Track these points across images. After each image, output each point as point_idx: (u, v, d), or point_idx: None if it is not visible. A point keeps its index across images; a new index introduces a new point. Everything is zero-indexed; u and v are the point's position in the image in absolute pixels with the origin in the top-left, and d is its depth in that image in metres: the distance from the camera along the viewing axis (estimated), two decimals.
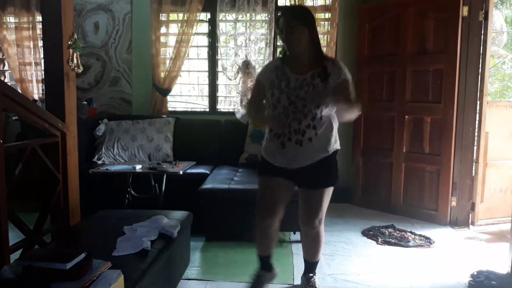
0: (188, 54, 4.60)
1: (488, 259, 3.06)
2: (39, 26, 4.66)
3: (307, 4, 4.35)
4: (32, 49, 4.76)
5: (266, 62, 4.39)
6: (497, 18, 4.18)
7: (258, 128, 4.17)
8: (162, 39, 4.59)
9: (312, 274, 2.53)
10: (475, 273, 2.72)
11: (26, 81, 4.80)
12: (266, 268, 2.48)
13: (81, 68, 2.60)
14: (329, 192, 2.30)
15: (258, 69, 4.45)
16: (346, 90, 2.17)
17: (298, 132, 2.17)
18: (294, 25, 2.13)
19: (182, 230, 2.49)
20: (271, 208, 2.33)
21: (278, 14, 2.31)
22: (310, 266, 2.54)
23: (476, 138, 3.76)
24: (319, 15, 4.33)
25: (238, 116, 4.46)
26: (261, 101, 2.33)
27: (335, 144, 2.28)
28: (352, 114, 2.20)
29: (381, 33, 4.18)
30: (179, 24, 4.50)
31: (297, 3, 4.31)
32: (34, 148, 2.23)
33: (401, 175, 4.10)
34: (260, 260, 2.48)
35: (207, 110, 4.85)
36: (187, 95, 5.28)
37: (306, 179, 2.26)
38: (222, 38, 4.60)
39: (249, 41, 4.43)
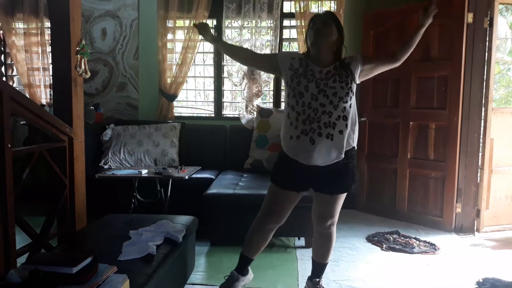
0: (194, 60, 4.64)
1: (494, 266, 3.04)
2: (48, 32, 4.73)
3: (312, 11, 4.37)
4: (40, 55, 4.82)
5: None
6: (501, 25, 4.18)
7: (263, 133, 4.19)
8: (169, 45, 4.63)
9: (319, 279, 2.54)
10: (481, 280, 2.71)
11: (34, 86, 4.86)
12: (243, 272, 2.49)
13: (89, 73, 2.63)
14: (344, 196, 2.34)
15: (263, 76, 4.48)
16: (375, 56, 2.27)
17: (329, 125, 2.16)
18: (329, 23, 2.19)
19: (188, 235, 2.51)
20: (277, 216, 2.37)
21: (315, 14, 2.34)
22: (318, 269, 2.54)
23: (481, 145, 3.75)
24: None
25: (243, 121, 4.49)
26: (254, 56, 2.55)
27: (356, 141, 2.31)
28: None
29: (385, 40, 4.18)
30: (186, 31, 4.54)
31: (302, 9, 4.33)
32: (42, 153, 2.25)
33: (405, 181, 4.10)
34: (241, 261, 2.49)
35: (213, 115, 4.87)
36: (193, 100, 5.31)
37: (325, 184, 2.27)
38: None
39: (255, 48, 4.45)
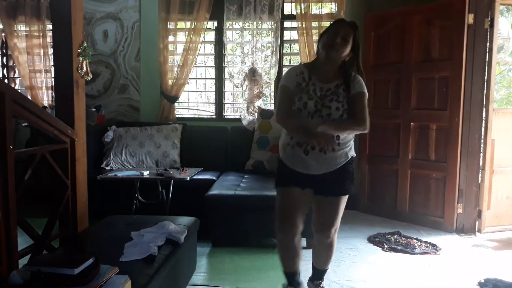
0: (195, 62, 4.65)
1: (496, 267, 3.04)
2: (49, 34, 4.75)
3: (313, 12, 4.38)
4: (42, 57, 4.85)
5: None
6: (503, 25, 4.17)
7: (264, 134, 4.19)
8: (170, 47, 4.64)
9: (320, 281, 2.54)
10: (483, 281, 2.71)
11: (36, 88, 4.88)
12: (294, 285, 2.43)
13: (91, 75, 2.63)
14: (345, 200, 2.32)
15: (265, 77, 4.49)
16: (361, 102, 2.20)
17: None
18: (348, 41, 2.15)
19: (189, 236, 2.51)
20: (292, 220, 2.29)
21: (338, 20, 2.30)
22: (319, 273, 2.54)
23: (482, 145, 3.75)
24: (325, 23, 4.35)
25: (244, 122, 4.49)
26: (288, 109, 2.24)
27: (352, 150, 2.31)
28: (354, 132, 2.26)
29: (386, 41, 4.19)
30: (187, 33, 4.55)
31: (303, 11, 4.34)
32: (44, 154, 2.26)
33: (407, 182, 4.10)
34: (286, 277, 2.44)
35: (214, 116, 4.88)
36: (194, 102, 5.32)
37: (325, 186, 2.26)
38: (229, 46, 4.65)
39: (256, 49, 4.47)
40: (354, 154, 2.33)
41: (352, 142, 2.31)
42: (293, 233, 2.31)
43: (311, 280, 2.57)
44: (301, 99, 2.20)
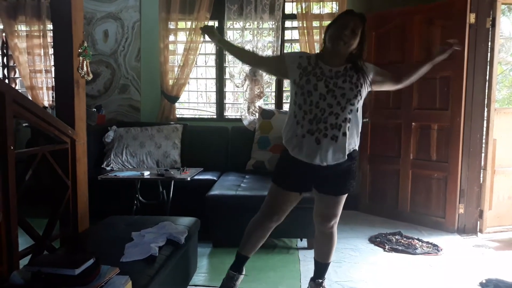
0: (196, 62, 4.64)
1: (497, 267, 3.03)
2: (50, 34, 4.75)
3: (314, 12, 4.38)
4: (42, 57, 4.85)
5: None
6: (504, 24, 4.18)
7: (265, 135, 4.18)
8: (171, 47, 4.64)
9: (321, 280, 2.54)
10: (484, 281, 2.70)
11: (36, 88, 4.88)
12: (239, 270, 2.50)
13: (91, 75, 2.63)
14: (345, 196, 2.35)
15: (265, 77, 4.49)
16: (387, 71, 2.34)
17: (335, 127, 2.14)
18: (356, 34, 2.14)
19: (190, 236, 2.51)
20: (279, 214, 2.38)
21: (347, 12, 2.26)
22: (320, 269, 2.54)
23: (484, 145, 3.74)
24: (326, 23, 4.34)
25: (245, 123, 4.49)
26: (261, 60, 2.71)
27: (357, 144, 2.29)
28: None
29: (387, 41, 4.18)
30: (187, 32, 4.55)
31: (304, 10, 4.34)
32: (44, 155, 2.26)
33: (408, 182, 4.09)
34: (239, 260, 2.49)
35: (215, 117, 4.88)
36: (195, 102, 5.32)
37: (326, 184, 2.28)
38: None
39: (256, 49, 4.46)
40: (357, 148, 2.30)
41: (359, 129, 2.26)
42: (273, 225, 2.41)
43: (312, 279, 2.58)
44: (309, 82, 2.17)
